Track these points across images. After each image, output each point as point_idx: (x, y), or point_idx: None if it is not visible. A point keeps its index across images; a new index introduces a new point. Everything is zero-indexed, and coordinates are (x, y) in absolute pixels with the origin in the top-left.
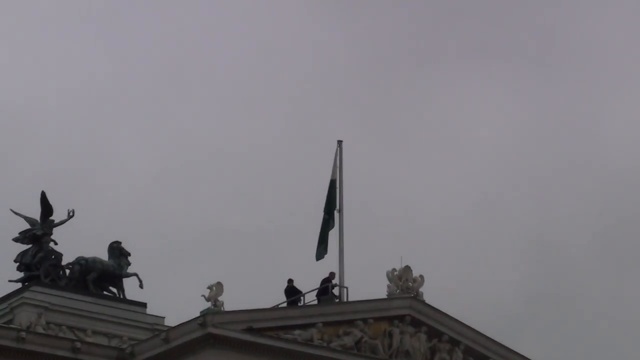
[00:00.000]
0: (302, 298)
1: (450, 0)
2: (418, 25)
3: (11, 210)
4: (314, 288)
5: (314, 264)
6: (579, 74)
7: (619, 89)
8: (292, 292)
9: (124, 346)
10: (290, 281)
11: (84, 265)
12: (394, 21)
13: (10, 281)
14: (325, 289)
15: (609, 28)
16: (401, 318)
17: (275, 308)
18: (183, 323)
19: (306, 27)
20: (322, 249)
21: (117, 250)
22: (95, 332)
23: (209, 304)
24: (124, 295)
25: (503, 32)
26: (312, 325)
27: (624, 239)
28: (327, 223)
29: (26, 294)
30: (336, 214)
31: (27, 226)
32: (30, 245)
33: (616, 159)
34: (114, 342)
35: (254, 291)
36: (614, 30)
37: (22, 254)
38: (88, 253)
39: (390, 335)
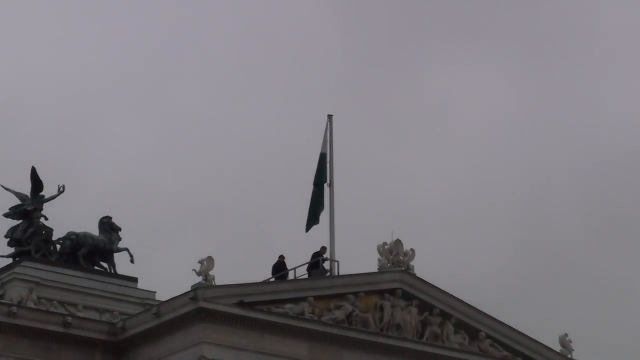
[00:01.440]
0: (290, 274)
1: None
2: (412, 3)
3: (1, 185)
4: (305, 262)
5: (304, 239)
6: (571, 58)
7: (611, 72)
8: (279, 268)
9: (115, 321)
10: (281, 257)
11: (74, 240)
12: None
13: (1, 257)
14: (316, 262)
15: (602, 12)
16: (392, 291)
17: (266, 282)
18: (174, 297)
19: (297, 5)
20: (311, 221)
21: (108, 225)
22: (86, 307)
23: (199, 278)
24: (114, 270)
25: (497, 13)
26: (303, 299)
27: (615, 217)
28: (317, 195)
29: (17, 269)
30: (326, 188)
31: (17, 201)
32: (20, 221)
33: (609, 139)
34: (105, 317)
35: (245, 265)
36: (606, 14)
37: (13, 230)
38: (78, 228)
39: (382, 308)
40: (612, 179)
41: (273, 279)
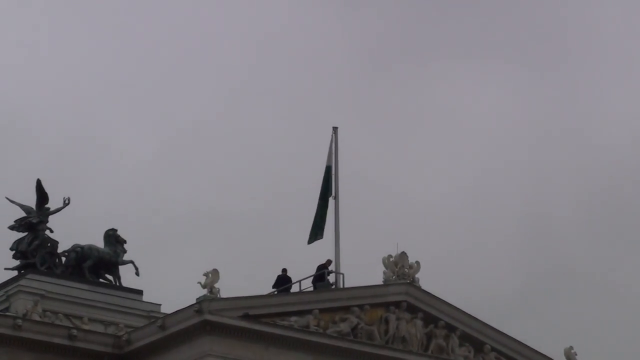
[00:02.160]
0: (295, 286)
1: None
2: (415, 13)
3: (7, 198)
4: (310, 275)
5: (310, 251)
6: (575, 66)
7: (615, 79)
8: (281, 281)
9: (121, 333)
10: (284, 271)
11: (79, 253)
12: (391, 9)
13: (6, 269)
14: (322, 275)
15: (602, 22)
16: (397, 304)
17: (271, 295)
18: (179, 310)
19: (303, 15)
20: (315, 233)
21: (113, 238)
22: (91, 320)
23: (205, 291)
24: (120, 282)
25: (498, 23)
26: (309, 311)
27: (618, 219)
28: (322, 208)
29: (22, 282)
30: (332, 201)
31: (22, 214)
32: (26, 233)
33: (615, 147)
34: (111, 330)
35: (250, 277)
36: (605, 24)
37: (18, 242)
38: (84, 241)
39: (387, 321)
40: (620, 188)
41: (277, 292)
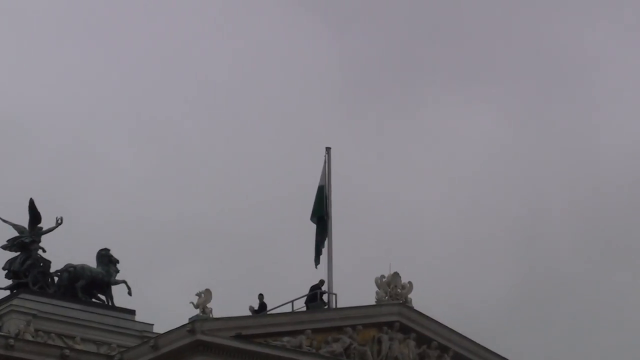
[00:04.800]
0: (287, 306)
1: (441, 12)
2: (408, 33)
3: None
4: (303, 295)
5: (302, 271)
6: (569, 91)
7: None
8: (259, 308)
9: (113, 353)
10: (260, 296)
11: (72, 273)
12: (384, 29)
13: None
14: (314, 295)
15: (594, 46)
16: (390, 324)
17: (264, 315)
18: (172, 330)
19: (296, 35)
20: (319, 256)
21: (106, 258)
22: (84, 340)
23: (197, 311)
24: (112, 302)
25: (496, 50)
26: (301, 331)
27: (616, 241)
28: (320, 230)
29: (15, 302)
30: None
31: (15, 234)
32: (18, 253)
33: (608, 170)
34: (103, 350)
35: (243, 297)
36: (598, 48)
37: (11, 262)
38: (76, 260)
39: (379, 341)
40: (612, 209)
41: (273, 310)
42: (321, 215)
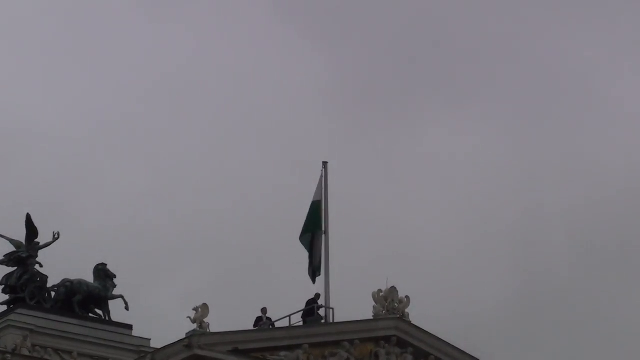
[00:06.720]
0: (284, 321)
1: (440, 26)
2: (406, 48)
3: None
4: (300, 309)
5: (298, 285)
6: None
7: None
8: (260, 321)
9: None
10: (263, 311)
11: (69, 288)
12: (381, 43)
13: None
14: (311, 310)
15: (586, 65)
16: (387, 339)
17: (261, 329)
18: (169, 345)
19: (292, 48)
20: (317, 271)
21: (103, 273)
22: (81, 355)
23: (194, 326)
24: (109, 317)
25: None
26: (298, 346)
27: (613, 257)
28: (316, 245)
29: (11, 317)
30: (322, 235)
31: (12, 249)
32: (15, 268)
33: (605, 172)
34: None
35: (240, 312)
36: (590, 67)
37: (7, 277)
38: (73, 275)
39: (377, 356)
40: (609, 217)
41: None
42: (316, 229)
